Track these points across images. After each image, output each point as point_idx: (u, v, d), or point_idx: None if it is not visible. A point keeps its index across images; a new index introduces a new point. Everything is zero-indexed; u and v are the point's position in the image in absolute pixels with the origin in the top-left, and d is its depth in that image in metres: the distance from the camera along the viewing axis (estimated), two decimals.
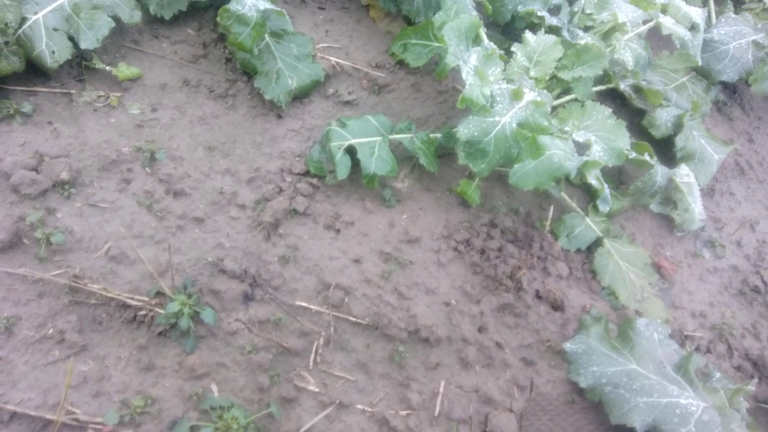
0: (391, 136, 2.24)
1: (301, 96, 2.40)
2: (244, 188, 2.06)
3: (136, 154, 2.03)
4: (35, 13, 2.13)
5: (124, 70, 2.27)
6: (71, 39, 2.16)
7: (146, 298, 1.71)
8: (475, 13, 2.42)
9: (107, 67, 2.24)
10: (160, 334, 1.68)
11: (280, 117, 2.32)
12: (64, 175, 1.89)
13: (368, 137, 2.19)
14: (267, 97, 2.30)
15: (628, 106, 2.66)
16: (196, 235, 1.90)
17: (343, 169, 2.10)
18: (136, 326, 1.69)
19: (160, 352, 1.67)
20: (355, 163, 2.11)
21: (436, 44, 2.42)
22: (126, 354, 1.64)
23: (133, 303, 1.69)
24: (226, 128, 2.24)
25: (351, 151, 2.12)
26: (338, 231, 2.03)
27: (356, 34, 2.70)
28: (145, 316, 1.69)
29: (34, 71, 2.13)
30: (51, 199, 1.84)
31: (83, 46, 2.16)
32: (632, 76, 2.59)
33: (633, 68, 2.49)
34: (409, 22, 2.73)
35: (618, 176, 2.52)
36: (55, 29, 2.14)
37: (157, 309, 1.70)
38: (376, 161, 2.15)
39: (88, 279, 1.71)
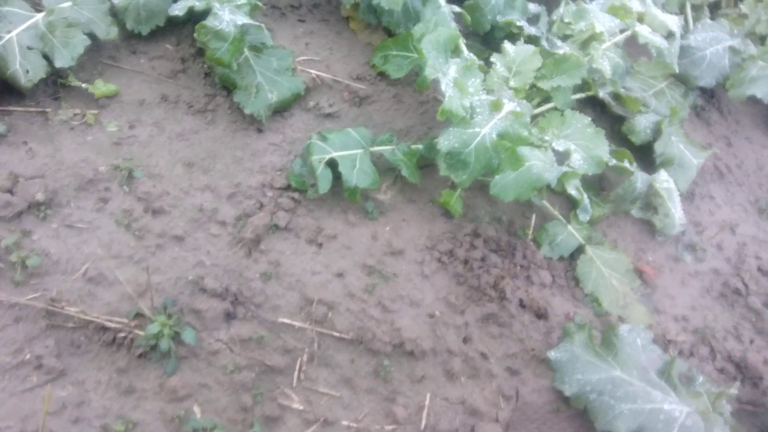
0: (372, 149, 2.25)
1: (281, 109, 2.40)
2: (224, 204, 2.06)
3: (113, 172, 2.02)
4: (8, 32, 2.11)
5: (100, 87, 2.26)
6: (46, 57, 2.15)
7: (125, 320, 1.70)
8: (454, 24, 2.44)
9: (84, 85, 2.23)
10: (140, 356, 1.67)
11: (260, 131, 2.32)
12: (40, 196, 1.87)
13: (349, 150, 2.20)
14: (247, 111, 2.30)
15: (607, 113, 2.70)
16: (175, 254, 1.89)
17: (324, 183, 2.10)
18: (116, 349, 1.67)
19: (140, 374, 1.65)
20: (337, 177, 2.11)
21: (417, 55, 2.44)
22: (105, 378, 1.62)
23: (112, 325, 1.68)
24: (205, 144, 2.23)
25: (332, 164, 2.13)
26: (321, 245, 2.03)
27: (336, 46, 2.71)
28: (125, 338, 1.67)
29: (8, 90, 2.12)
30: (26, 221, 1.82)
31: (58, 64, 2.15)
32: (611, 84, 2.62)
33: (611, 77, 2.52)
34: (389, 33, 2.74)
35: (599, 183, 2.55)
36: (29, 48, 2.12)
37: (136, 331, 1.68)
38: (357, 174, 2.15)
39: (66, 302, 1.69)
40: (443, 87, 2.11)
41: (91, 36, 2.25)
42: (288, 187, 2.15)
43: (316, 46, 2.67)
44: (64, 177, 1.97)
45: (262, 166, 2.20)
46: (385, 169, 2.27)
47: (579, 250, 2.26)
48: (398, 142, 2.31)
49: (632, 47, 2.86)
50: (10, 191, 1.86)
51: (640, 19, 2.74)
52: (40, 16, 2.19)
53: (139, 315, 1.72)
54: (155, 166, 2.10)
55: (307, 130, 2.36)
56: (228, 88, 2.38)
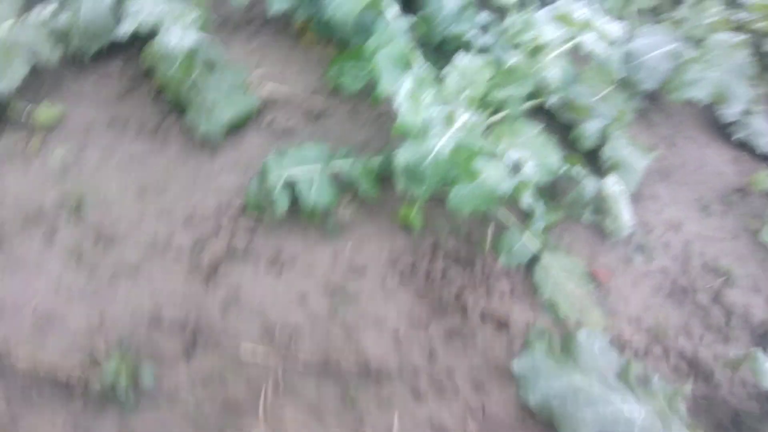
0: (330, 164, 2.18)
1: (235, 128, 2.30)
2: (179, 230, 1.95)
3: (61, 202, 1.89)
4: None
5: (44, 111, 2.11)
6: None
7: (79, 363, 1.58)
8: (406, 37, 2.40)
9: (26, 110, 2.08)
10: (96, 400, 1.55)
11: (214, 151, 2.22)
12: None
13: (307, 167, 2.12)
14: (200, 131, 2.19)
15: (557, 120, 2.71)
16: (130, 286, 1.78)
17: (282, 203, 2.02)
18: (70, 394, 1.55)
19: (97, 418, 1.54)
20: (296, 195, 2.04)
21: (371, 68, 2.38)
22: (60, 426, 1.51)
23: (65, 369, 1.56)
24: (157, 167, 2.11)
25: (290, 182, 2.05)
26: (281, 267, 1.95)
27: (291, 60, 2.62)
28: (79, 381, 1.56)
29: None
30: None
31: None
32: (559, 91, 2.63)
33: (559, 85, 2.53)
34: (343, 46, 2.67)
35: (552, 189, 2.55)
36: None
37: (91, 373, 1.57)
38: (316, 192, 2.08)
39: (14, 346, 1.56)
40: (398, 102, 2.07)
41: (33, 59, 2.10)
42: (245, 209, 2.06)
43: (269, 62, 2.58)
44: (8, 209, 1.83)
45: (218, 187, 2.10)
46: (343, 185, 2.21)
47: (536, 258, 2.25)
48: (356, 156, 2.25)
49: (578, 55, 2.87)
50: None
51: (585, 27, 2.75)
52: None
53: (93, 356, 1.60)
54: (105, 194, 1.98)
55: (263, 149, 2.27)
56: (179, 108, 2.26)
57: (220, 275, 1.88)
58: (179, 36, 2.16)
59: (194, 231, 1.96)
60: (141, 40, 2.19)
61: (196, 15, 2.29)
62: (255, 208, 2.07)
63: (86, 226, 1.87)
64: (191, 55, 2.15)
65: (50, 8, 2.20)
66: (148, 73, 2.31)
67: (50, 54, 2.17)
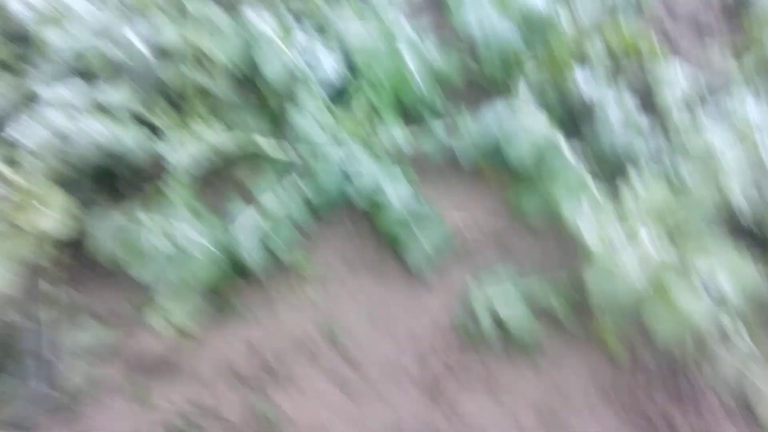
0: (525, 289, 2.39)
1: (440, 260, 2.66)
2: (406, 353, 2.30)
3: (317, 331, 2.37)
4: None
5: (301, 260, 2.70)
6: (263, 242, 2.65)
7: None
8: (579, 166, 2.57)
9: (289, 260, 2.68)
10: None
11: (426, 283, 2.58)
12: (270, 360, 2.26)
13: (504, 292, 2.37)
14: (413, 265, 2.59)
15: (753, 234, 2.60)
16: (375, 402, 2.16)
17: (487, 328, 2.28)
18: None
19: None
20: (501, 324, 2.27)
21: (551, 197, 2.59)
22: None
23: None
24: (382, 298, 2.53)
25: (491, 307, 2.30)
26: (496, 394, 2.17)
27: (474, 195, 2.94)
28: None
29: (239, 271, 2.60)
30: (263, 384, 2.20)
31: (273, 248, 2.63)
32: (749, 203, 2.55)
33: (746, 197, 2.47)
34: (520, 177, 2.94)
35: (758, 306, 2.43)
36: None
37: None
38: (518, 321, 2.30)
39: None
40: (579, 229, 2.24)
41: (294, 221, 2.71)
42: (457, 334, 2.35)
43: (457, 199, 2.93)
44: (284, 341, 2.36)
45: (432, 314, 2.44)
46: (539, 307, 2.38)
47: (748, 372, 2.14)
48: (548, 279, 2.42)
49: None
50: (249, 359, 2.27)
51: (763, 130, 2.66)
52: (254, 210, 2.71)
53: None
54: (347, 322, 2.43)
55: (465, 277, 2.58)
56: (395, 247, 2.70)
57: (443, 395, 2.16)
58: (394, 191, 2.65)
59: (417, 354, 2.31)
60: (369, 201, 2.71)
61: (402, 172, 2.78)
62: (464, 333, 2.35)
63: (338, 351, 2.32)
64: (405, 211, 2.61)
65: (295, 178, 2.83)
66: (370, 222, 2.81)
67: (303, 216, 2.78)
